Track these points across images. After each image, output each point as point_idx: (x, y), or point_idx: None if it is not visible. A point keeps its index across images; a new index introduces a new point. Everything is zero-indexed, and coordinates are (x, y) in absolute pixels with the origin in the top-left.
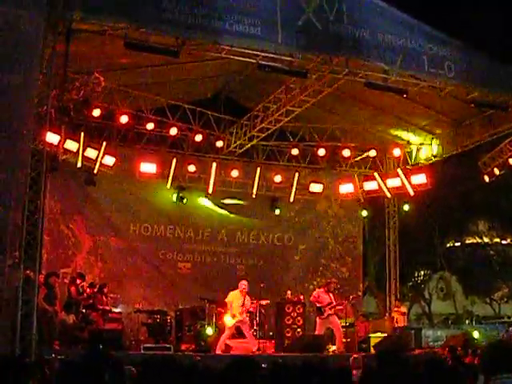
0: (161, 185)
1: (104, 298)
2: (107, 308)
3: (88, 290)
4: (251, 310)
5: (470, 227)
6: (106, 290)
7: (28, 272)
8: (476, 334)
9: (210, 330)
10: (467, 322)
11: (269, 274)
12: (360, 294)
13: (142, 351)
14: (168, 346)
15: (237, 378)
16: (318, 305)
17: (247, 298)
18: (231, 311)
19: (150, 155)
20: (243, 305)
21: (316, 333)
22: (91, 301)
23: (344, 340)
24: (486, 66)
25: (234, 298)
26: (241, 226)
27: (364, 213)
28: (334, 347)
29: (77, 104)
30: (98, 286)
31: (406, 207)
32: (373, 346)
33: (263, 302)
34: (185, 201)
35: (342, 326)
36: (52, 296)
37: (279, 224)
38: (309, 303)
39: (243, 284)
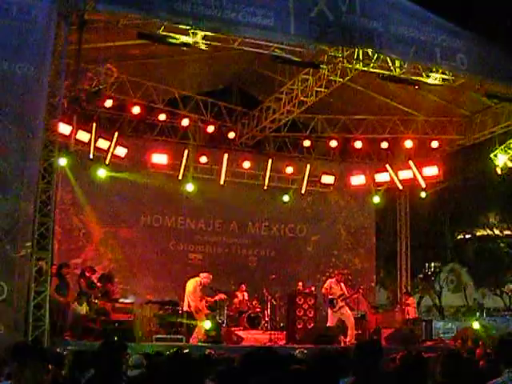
0: (172, 176)
1: (114, 288)
2: (120, 298)
3: (99, 282)
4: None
5: (480, 219)
6: (116, 281)
7: (40, 263)
8: (476, 325)
9: (208, 324)
10: (478, 314)
11: (281, 266)
12: (373, 285)
13: (154, 342)
14: (180, 337)
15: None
16: (329, 297)
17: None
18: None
19: (162, 146)
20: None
21: (328, 324)
22: (102, 292)
23: (356, 331)
24: (499, 58)
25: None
26: (252, 217)
27: (376, 198)
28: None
29: (89, 95)
30: (107, 277)
31: (423, 194)
32: (384, 338)
33: (216, 298)
34: (196, 192)
35: (354, 318)
36: (64, 287)
37: (291, 215)
38: (320, 295)
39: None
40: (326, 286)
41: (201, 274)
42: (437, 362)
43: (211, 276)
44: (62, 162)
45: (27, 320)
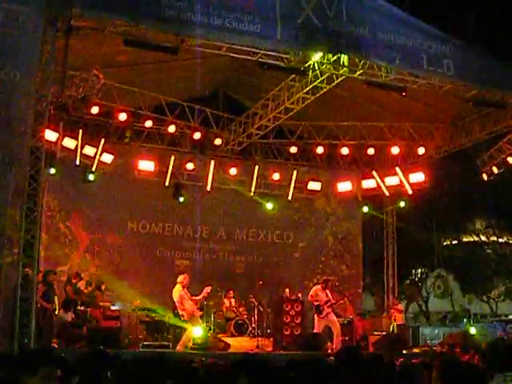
0: (159, 182)
1: (102, 295)
2: (106, 305)
3: (85, 289)
4: None
5: (467, 225)
6: (103, 288)
7: (27, 269)
8: (473, 330)
9: (198, 331)
10: (465, 320)
11: (268, 272)
12: (360, 291)
13: (141, 349)
14: (167, 343)
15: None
16: (316, 303)
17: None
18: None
19: (149, 153)
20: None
21: (315, 331)
22: (89, 299)
23: (342, 338)
24: (485, 65)
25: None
26: (240, 223)
27: (365, 209)
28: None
29: (75, 101)
30: (94, 284)
31: (402, 204)
32: (372, 344)
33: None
34: (183, 198)
35: (341, 324)
36: (50, 294)
37: (278, 221)
38: (307, 301)
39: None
40: (311, 292)
41: (178, 279)
42: (434, 367)
43: (187, 275)
44: (51, 170)
45: (13, 327)
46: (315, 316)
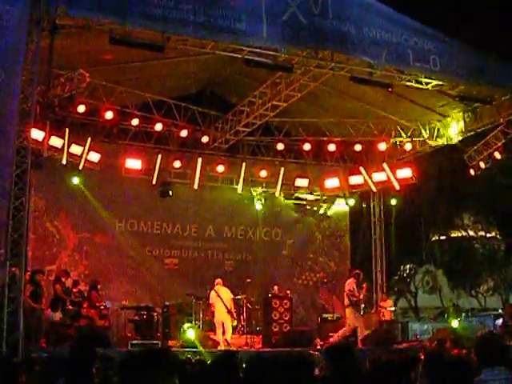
0: (146, 181)
1: (98, 294)
2: (103, 304)
3: (73, 287)
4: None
5: (455, 221)
6: (99, 287)
7: (14, 269)
8: (455, 324)
9: (190, 332)
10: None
11: (257, 269)
12: None
13: (130, 348)
14: (155, 342)
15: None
16: (354, 299)
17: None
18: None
19: (136, 151)
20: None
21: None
22: (79, 299)
23: (331, 334)
24: (471, 60)
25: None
26: (228, 221)
27: (351, 201)
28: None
29: (61, 100)
30: (89, 284)
31: (394, 201)
32: (360, 340)
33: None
34: (170, 196)
35: (329, 320)
36: (38, 293)
37: (266, 219)
38: (295, 298)
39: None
40: (349, 287)
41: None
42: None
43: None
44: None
45: (1, 327)
46: (352, 312)
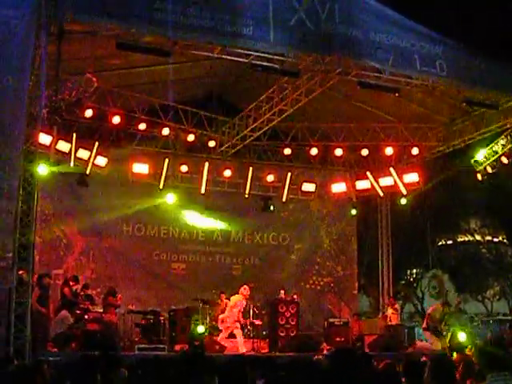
0: (153, 185)
1: (116, 300)
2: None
3: (81, 292)
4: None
5: (461, 225)
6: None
7: (21, 273)
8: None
9: (201, 328)
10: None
11: (265, 274)
12: (355, 292)
13: (136, 352)
14: (162, 346)
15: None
16: (431, 323)
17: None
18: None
19: (143, 156)
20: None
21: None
22: (89, 302)
23: (338, 339)
24: (478, 65)
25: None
26: (235, 226)
27: (353, 211)
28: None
29: (69, 105)
30: (106, 290)
31: (403, 201)
32: (367, 345)
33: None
34: (177, 201)
35: (336, 325)
36: (45, 297)
37: (274, 224)
38: (303, 302)
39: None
40: (434, 312)
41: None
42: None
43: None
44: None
45: (9, 331)
46: (432, 337)
